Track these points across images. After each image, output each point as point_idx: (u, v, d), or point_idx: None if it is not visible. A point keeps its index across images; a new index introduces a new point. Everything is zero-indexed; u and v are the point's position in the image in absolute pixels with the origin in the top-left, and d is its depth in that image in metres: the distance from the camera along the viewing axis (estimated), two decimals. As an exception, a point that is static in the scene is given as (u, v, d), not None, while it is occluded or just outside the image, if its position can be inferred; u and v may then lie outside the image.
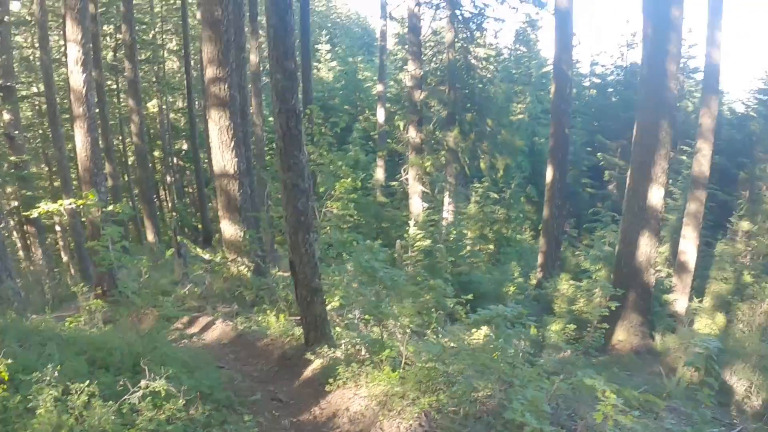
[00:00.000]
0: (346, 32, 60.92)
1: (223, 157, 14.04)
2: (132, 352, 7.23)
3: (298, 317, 9.94)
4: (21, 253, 27.62)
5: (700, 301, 22.18)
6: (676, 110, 22.75)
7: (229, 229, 14.33)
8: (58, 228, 27.62)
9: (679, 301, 20.07)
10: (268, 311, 11.73)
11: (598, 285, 16.71)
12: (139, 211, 29.61)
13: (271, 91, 8.70)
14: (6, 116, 22.77)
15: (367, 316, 11.39)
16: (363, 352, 8.41)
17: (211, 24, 13.88)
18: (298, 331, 9.78)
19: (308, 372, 8.65)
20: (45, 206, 8.62)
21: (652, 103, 16.69)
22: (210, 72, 14.11)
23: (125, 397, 5.37)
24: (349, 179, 14.75)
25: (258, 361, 9.84)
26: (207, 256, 15.75)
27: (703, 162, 20.42)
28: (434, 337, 9.71)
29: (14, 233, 30.96)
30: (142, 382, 5.42)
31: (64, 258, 27.94)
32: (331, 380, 7.66)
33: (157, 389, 5.38)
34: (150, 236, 27.13)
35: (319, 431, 7.16)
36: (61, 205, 8.34)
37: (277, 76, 8.26)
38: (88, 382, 5.22)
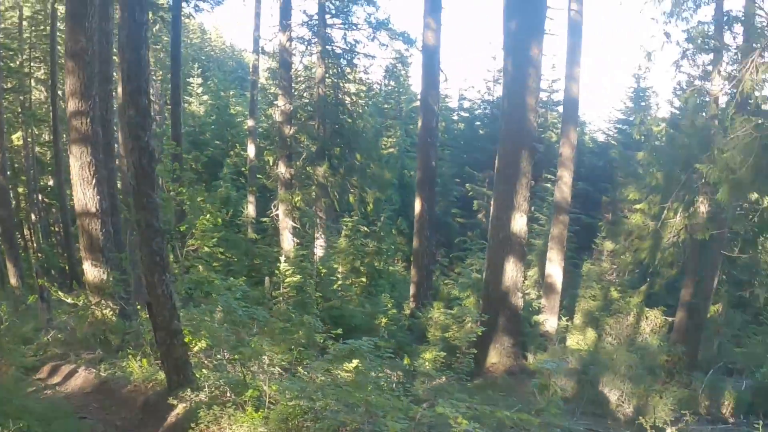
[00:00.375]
0: (219, 66, 60.46)
1: (84, 195, 13.69)
2: None
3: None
4: None
5: (568, 320, 23.27)
6: (537, 141, 23.84)
7: (91, 271, 13.99)
8: None
9: (549, 320, 21.03)
10: (132, 356, 11.55)
11: (467, 311, 17.27)
12: (1, 252, 28.38)
13: (124, 127, 8.68)
14: None
15: (235, 357, 11.43)
16: (228, 394, 8.44)
17: (73, 55, 13.52)
18: (162, 375, 9.70)
19: (172, 418, 8.53)
20: None
21: (513, 134, 17.49)
22: (72, 105, 13.71)
23: None
24: (208, 216, 14.64)
25: (122, 409, 9.67)
26: (70, 300, 15.35)
27: (564, 188, 21.53)
28: (304, 373, 9.88)
29: None
30: None
31: None
32: (193, 425, 7.61)
33: None
34: (13, 280, 25.90)
35: None
36: None
37: (130, 112, 8.19)
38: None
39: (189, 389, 8.62)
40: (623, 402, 15.04)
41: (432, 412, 7.51)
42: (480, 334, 16.00)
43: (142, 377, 10.31)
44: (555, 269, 21.68)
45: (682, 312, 20.24)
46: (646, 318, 22.22)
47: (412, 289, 23.86)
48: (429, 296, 23.51)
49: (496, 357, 17.24)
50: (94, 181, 13.66)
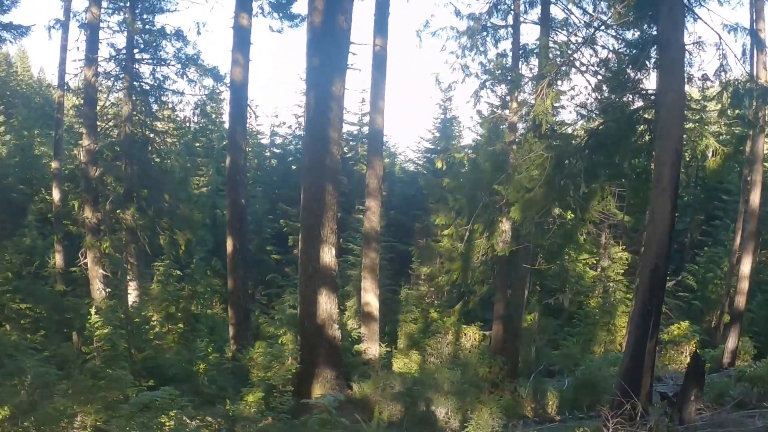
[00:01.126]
0: (25, 102, 57.29)
1: None
2: None
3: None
4: None
5: (390, 345, 23.95)
6: (344, 174, 24.44)
7: None
8: None
9: (371, 348, 21.55)
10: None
11: (285, 348, 17.44)
12: None
13: None
14: None
15: (43, 426, 11.05)
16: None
17: None
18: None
19: None
20: None
21: (316, 168, 17.90)
22: None
23: None
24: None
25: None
26: None
27: (372, 218, 22.20)
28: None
29: None
30: None
31: None
32: None
33: None
34: None
35: None
36: None
37: None
38: None
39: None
40: (450, 417, 15.79)
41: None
42: (294, 370, 16.25)
43: None
44: (371, 297, 22.23)
45: (497, 324, 21.52)
46: (465, 334, 23.39)
47: (231, 331, 23.63)
48: (249, 337, 23.39)
49: (320, 390, 17.44)
50: None
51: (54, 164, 30.51)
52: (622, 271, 33.28)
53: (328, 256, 17.59)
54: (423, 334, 25.94)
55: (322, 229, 17.50)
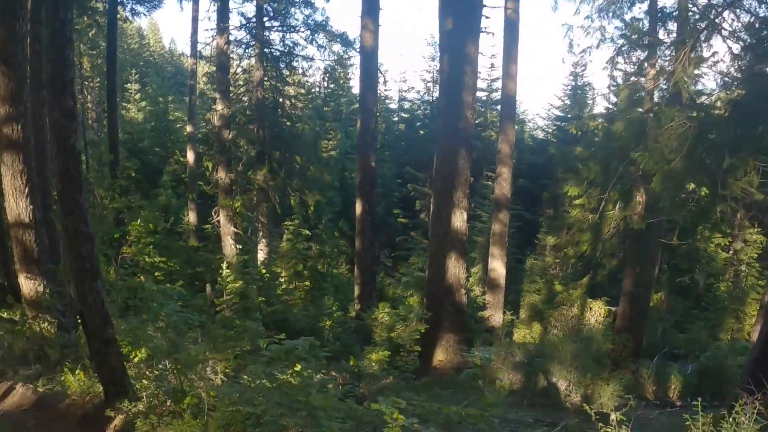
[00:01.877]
0: (158, 71, 59.60)
1: (17, 205, 13.29)
2: None
3: (101, 372, 9.87)
4: None
5: (513, 315, 23.66)
6: (475, 139, 24.15)
7: (27, 284, 13.69)
8: None
9: (495, 316, 21.31)
10: (70, 370, 11.44)
11: (411, 309, 17.45)
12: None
13: (48, 130, 8.55)
14: None
15: (176, 366, 11.42)
16: (167, 403, 8.44)
17: (3, 59, 13.18)
18: (100, 387, 9.66)
19: (109, 431, 8.53)
20: None
21: (450, 132, 17.68)
22: (2, 111, 13.22)
23: None
24: (139, 221, 14.49)
25: (60, 425, 9.56)
26: (5, 315, 15.12)
27: (503, 185, 21.86)
28: (248, 380, 9.91)
29: None
30: None
31: None
32: (134, 437, 7.60)
33: None
34: (-57, 300, 25.47)
35: None
36: None
37: (54, 114, 8.03)
38: None
39: (126, 400, 8.55)
40: (570, 391, 15.35)
41: (368, 409, 7.63)
42: (423, 331, 16.20)
43: (79, 391, 10.20)
44: (498, 265, 22.00)
45: (624, 301, 20.79)
46: (590, 309, 22.76)
47: (356, 291, 23.93)
48: (374, 297, 23.62)
49: (443, 354, 17.43)
50: (26, 190, 13.24)
51: (188, 128, 31.62)
52: (756, 255, 31.66)
53: (459, 220, 17.45)
54: (546, 306, 25.55)
55: (454, 192, 17.35)
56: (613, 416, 7.44)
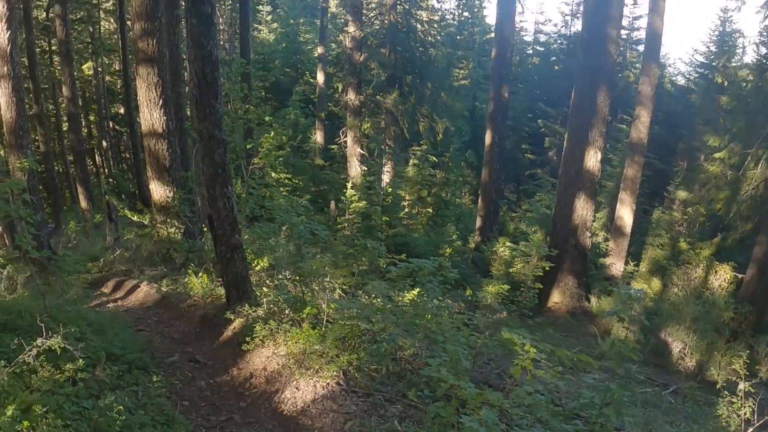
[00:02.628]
0: (289, -6, 59.72)
1: (151, 116, 13.57)
2: (51, 312, 6.93)
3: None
4: None
5: (636, 266, 22.61)
6: (615, 75, 22.94)
7: (158, 190, 13.95)
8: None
9: (615, 264, 20.34)
10: (194, 273, 11.55)
11: (534, 246, 16.87)
12: (73, 177, 28.91)
13: (186, 37, 8.41)
14: None
15: (297, 277, 11.34)
16: (286, 311, 8.30)
17: None
18: (221, 291, 9.63)
19: (228, 332, 8.44)
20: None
21: (592, 67, 16.69)
22: (138, 27, 13.58)
23: (20, 357, 4.95)
24: (273, 134, 14.36)
25: (180, 323, 9.64)
26: (136, 219, 15.49)
27: (641, 128, 20.62)
28: (364, 296, 9.69)
29: None
30: (38, 340, 4.99)
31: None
32: (248, 338, 7.48)
33: (53, 347, 4.97)
34: (83, 203, 26.45)
35: (235, 392, 6.95)
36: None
37: (192, 21, 7.93)
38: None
39: (247, 304, 8.50)
40: (685, 355, 14.56)
41: (493, 341, 7.26)
42: (547, 269, 15.63)
43: (201, 293, 10.29)
44: (626, 212, 20.93)
45: (753, 270, 19.11)
46: (715, 272, 21.31)
47: (477, 222, 23.38)
48: (494, 230, 23.00)
49: (559, 297, 16.82)
50: (160, 101, 13.53)
51: (319, 49, 31.41)
52: None
53: (592, 160, 16.58)
54: (669, 262, 24.34)
55: (590, 130, 16.44)
56: (741, 386, 6.84)
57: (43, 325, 5.44)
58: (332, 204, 19.22)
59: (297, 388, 6.47)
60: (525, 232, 22.25)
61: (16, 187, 7.20)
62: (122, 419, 4.86)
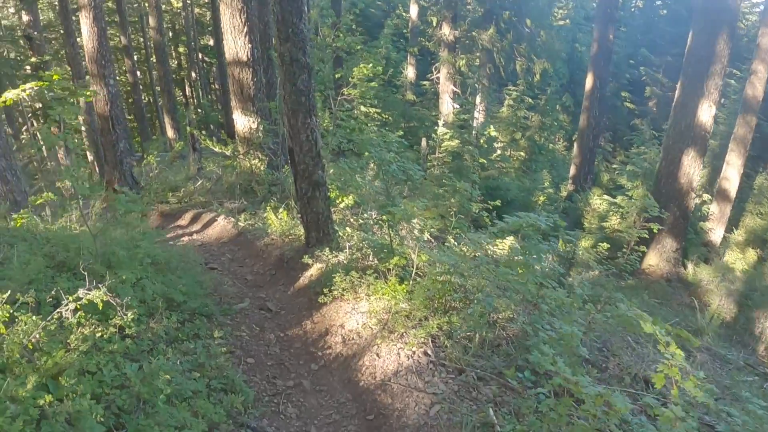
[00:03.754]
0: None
1: (235, 43, 12.69)
2: (107, 253, 5.99)
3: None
4: (45, 153, 27.48)
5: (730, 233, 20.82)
6: (738, 21, 20.90)
7: (241, 120, 13.13)
8: (83, 128, 26.85)
9: (716, 230, 18.50)
10: (273, 208, 10.66)
11: (636, 202, 15.48)
12: (161, 107, 28.71)
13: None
14: (25, 17, 22.54)
15: (384, 218, 10.39)
16: (370, 258, 7.33)
17: None
18: (301, 230, 8.69)
19: (305, 278, 7.49)
20: (8, 93, 7.34)
21: (714, 8, 14.91)
22: None
23: (58, 310, 4.05)
24: (370, 65, 13.25)
25: (254, 263, 8.75)
26: (218, 149, 14.70)
27: (757, 85, 18.49)
28: (454, 244, 8.64)
29: (38, 135, 30.66)
30: (79, 291, 4.10)
31: (90, 158, 27.33)
32: (326, 290, 6.51)
33: (95, 300, 4.05)
34: (170, 132, 26.21)
35: (307, 350, 6.04)
36: (23, 90, 7.00)
37: None
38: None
39: (327, 248, 7.53)
40: None
41: (604, 317, 6.06)
42: (655, 231, 14.27)
43: (280, 230, 9.31)
44: (733, 174, 18.89)
45: None
46: None
47: (571, 170, 21.84)
48: (589, 180, 21.50)
49: (655, 259, 15.36)
50: (245, 28, 12.62)
51: (410, -18, 30.05)
52: None
53: (705, 114, 14.79)
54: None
55: (706, 81, 14.61)
56: None
57: (86, 273, 4.57)
58: (423, 141, 18.12)
59: (378, 355, 5.46)
60: (621, 186, 20.75)
61: (70, 115, 6.29)
62: (169, 389, 3.95)
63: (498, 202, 11.95)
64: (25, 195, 13.65)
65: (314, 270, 7.42)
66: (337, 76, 13.90)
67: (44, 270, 5.27)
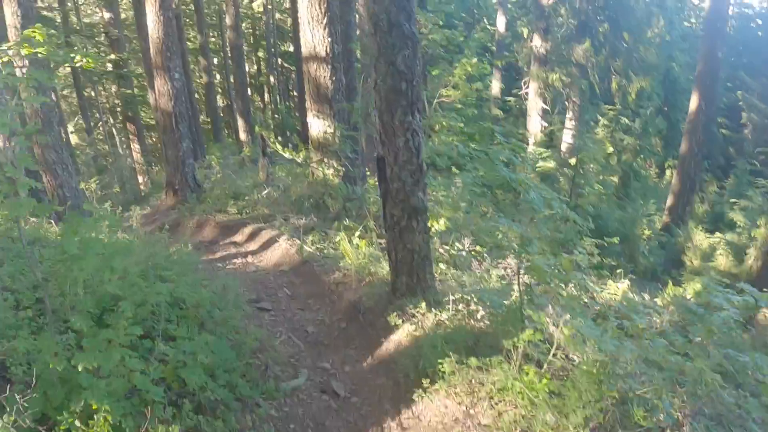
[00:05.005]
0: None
1: (312, 36, 10.38)
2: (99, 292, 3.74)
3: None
4: (121, 150, 26.38)
5: None
6: None
7: (315, 124, 10.73)
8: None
9: None
10: (348, 231, 8.15)
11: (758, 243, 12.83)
12: (235, 110, 26.87)
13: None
14: (106, 15, 22.44)
15: (479, 248, 7.92)
16: (484, 320, 4.83)
17: None
18: (385, 268, 6.19)
19: (390, 345, 5.00)
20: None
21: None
22: None
23: None
24: (474, 59, 10.76)
25: (320, 306, 6.26)
26: (288, 155, 12.31)
27: None
28: (575, 294, 6.05)
29: (114, 131, 30.44)
30: None
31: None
32: (425, 380, 4.05)
33: None
34: (242, 135, 24.23)
35: None
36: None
37: None
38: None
39: (424, 302, 5.04)
40: None
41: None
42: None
43: (356, 264, 6.66)
44: None
45: None
46: None
47: (669, 201, 18.74)
48: (687, 213, 18.48)
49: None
50: (324, 19, 10.33)
51: (499, -9, 27.64)
52: None
53: None
54: None
55: None
56: None
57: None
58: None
59: None
60: (719, 219, 17.91)
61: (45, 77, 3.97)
62: None
63: (616, 240, 9.39)
64: (76, 191, 11.93)
65: (404, 334, 4.90)
66: (434, 73, 11.41)
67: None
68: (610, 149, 20.34)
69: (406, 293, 5.27)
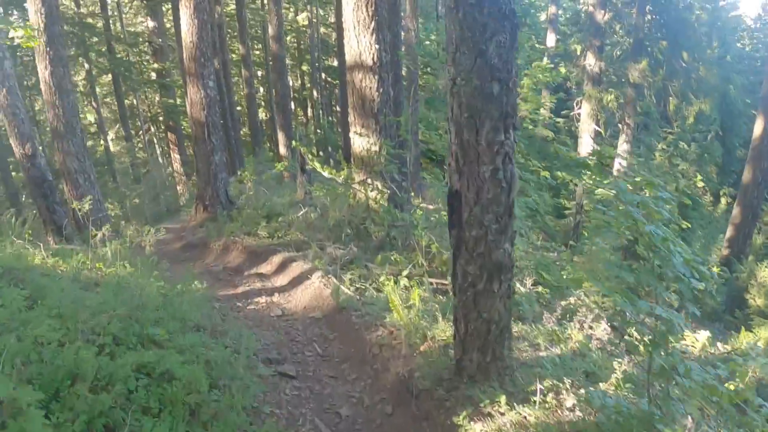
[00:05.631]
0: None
1: (358, 42, 8.94)
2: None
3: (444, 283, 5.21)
4: (161, 160, 25.71)
5: None
6: None
7: (359, 140, 9.25)
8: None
9: None
10: (393, 267, 6.61)
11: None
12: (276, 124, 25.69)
13: None
14: (150, 23, 22.20)
15: (542, 289, 6.76)
16: (575, 411, 3.35)
17: None
18: (446, 330, 4.65)
19: None
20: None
21: None
22: None
23: None
24: (545, 61, 9.20)
25: (357, 376, 4.72)
26: (327, 174, 10.75)
27: None
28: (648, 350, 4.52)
29: (155, 140, 29.62)
30: None
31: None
32: None
33: None
34: (282, 149, 22.95)
35: None
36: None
37: None
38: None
39: (500, 388, 3.55)
40: None
41: None
42: None
43: (406, 324, 4.94)
44: None
45: None
46: None
47: (729, 232, 16.85)
48: (747, 246, 16.62)
49: None
50: (372, 24, 8.88)
51: (551, 9, 26.26)
52: None
53: None
54: None
55: None
56: None
57: None
58: (579, 188, 13.98)
59: None
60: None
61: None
62: None
63: (701, 286, 7.75)
64: (99, 204, 10.97)
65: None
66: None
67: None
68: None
69: (477, 375, 3.75)
